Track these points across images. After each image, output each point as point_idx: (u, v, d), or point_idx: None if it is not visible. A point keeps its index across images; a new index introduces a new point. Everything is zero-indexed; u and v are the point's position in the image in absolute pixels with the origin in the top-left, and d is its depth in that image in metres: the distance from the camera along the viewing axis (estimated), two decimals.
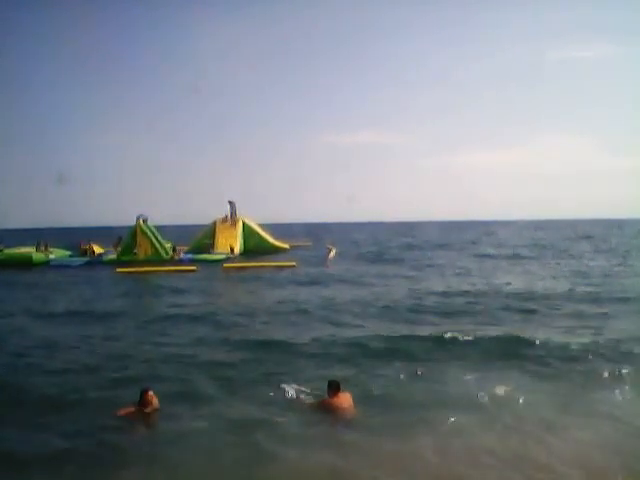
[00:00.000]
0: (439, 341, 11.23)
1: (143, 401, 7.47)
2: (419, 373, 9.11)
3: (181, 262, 29.12)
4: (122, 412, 7.42)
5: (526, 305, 15.55)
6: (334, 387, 7.60)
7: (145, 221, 29.75)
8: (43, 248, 31.49)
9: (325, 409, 7.50)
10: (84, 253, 32.73)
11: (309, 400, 7.88)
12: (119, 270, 25.85)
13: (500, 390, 8.08)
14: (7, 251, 31.32)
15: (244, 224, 36.27)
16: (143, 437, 7.16)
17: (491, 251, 38.11)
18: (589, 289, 18.68)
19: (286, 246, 37.95)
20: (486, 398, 7.86)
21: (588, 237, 55.54)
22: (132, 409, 7.45)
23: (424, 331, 12.14)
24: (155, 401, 7.54)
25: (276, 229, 41.64)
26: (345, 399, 7.57)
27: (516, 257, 32.94)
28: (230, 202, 36.68)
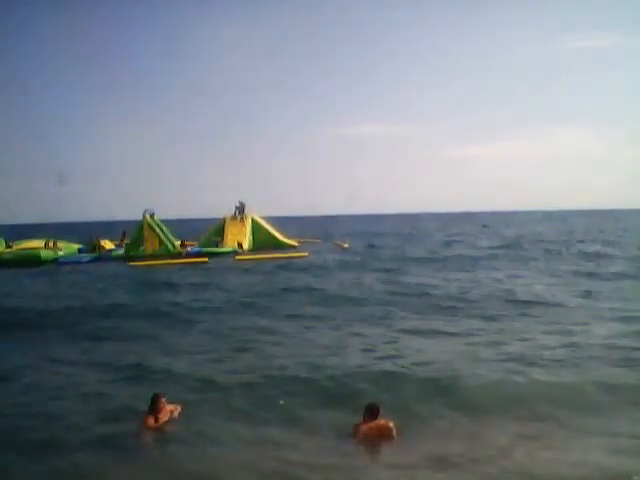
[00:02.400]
0: None
1: (154, 408, 6.88)
2: None
3: (188, 255, 29.28)
4: (142, 425, 6.82)
5: None
6: (370, 412, 6.66)
7: (152, 216, 29.65)
8: (52, 245, 31.45)
9: (354, 434, 6.60)
10: (94, 248, 32.84)
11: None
12: (131, 264, 26.25)
13: None
14: (16, 247, 31.29)
15: (253, 221, 36.26)
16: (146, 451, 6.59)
17: None
18: None
19: (294, 243, 37.72)
20: None
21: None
22: (146, 419, 6.86)
23: None
24: (167, 409, 6.97)
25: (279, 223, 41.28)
26: (376, 428, 6.58)
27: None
28: (240, 202, 36.67)
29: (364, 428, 6.58)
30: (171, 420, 6.98)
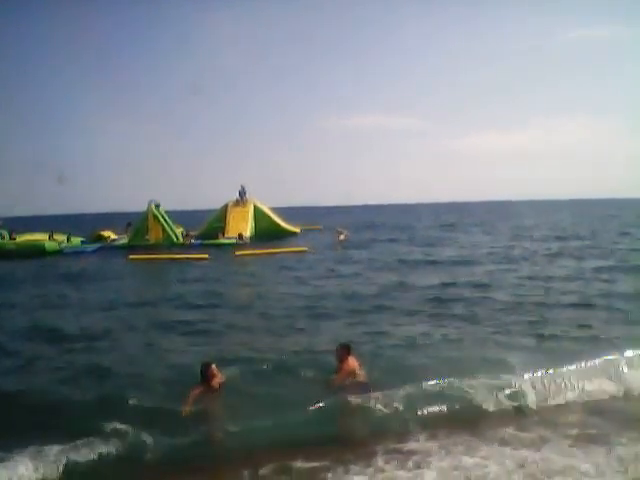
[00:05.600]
0: None
1: (207, 376, 6.95)
2: None
3: (192, 247, 29.27)
4: (192, 397, 6.84)
5: None
6: (346, 350, 7.33)
7: (158, 207, 29.62)
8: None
9: (342, 376, 7.22)
10: (97, 239, 32.96)
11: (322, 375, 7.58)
12: (131, 257, 26.12)
13: None
14: (20, 239, 31.29)
15: (255, 207, 36.06)
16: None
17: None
18: None
19: (297, 230, 37.81)
20: None
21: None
22: (198, 390, 6.89)
23: None
24: (219, 375, 7.08)
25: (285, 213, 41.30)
26: (355, 362, 7.33)
27: None
28: (242, 186, 36.63)
29: (345, 366, 7.21)
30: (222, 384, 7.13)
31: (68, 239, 32.18)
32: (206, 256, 26.27)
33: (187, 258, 26.11)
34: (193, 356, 8.77)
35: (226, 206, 35.63)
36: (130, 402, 7.03)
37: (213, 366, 7.06)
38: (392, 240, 33.10)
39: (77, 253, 29.23)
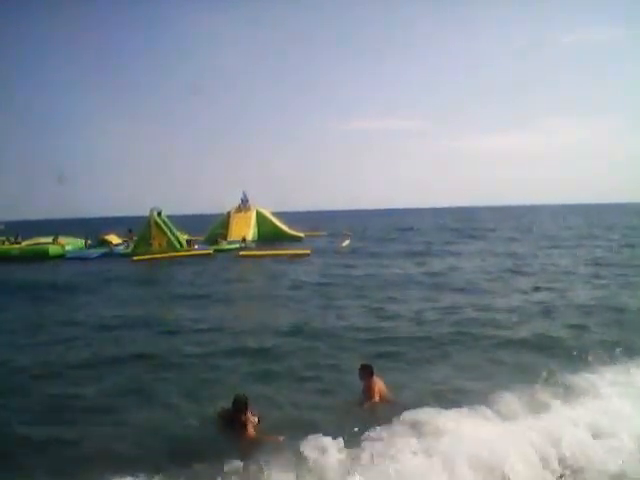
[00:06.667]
0: None
1: (240, 416, 6.02)
2: None
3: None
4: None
5: None
6: (368, 370, 7.31)
7: (160, 214, 29.62)
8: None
9: (369, 395, 7.15)
10: (102, 243, 33.15)
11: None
12: (135, 258, 26.54)
13: None
14: (25, 243, 31.49)
15: (257, 212, 36.58)
16: None
17: None
18: None
19: (301, 235, 37.92)
20: None
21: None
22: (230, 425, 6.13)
23: None
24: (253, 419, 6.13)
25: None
26: (381, 381, 7.34)
27: None
28: (244, 193, 37.25)
29: (371, 386, 7.12)
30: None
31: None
32: (211, 252, 28.27)
33: (191, 255, 27.37)
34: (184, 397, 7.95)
35: (229, 213, 36.33)
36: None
37: (248, 406, 6.08)
38: (392, 245, 33.08)
39: (80, 258, 29.33)
